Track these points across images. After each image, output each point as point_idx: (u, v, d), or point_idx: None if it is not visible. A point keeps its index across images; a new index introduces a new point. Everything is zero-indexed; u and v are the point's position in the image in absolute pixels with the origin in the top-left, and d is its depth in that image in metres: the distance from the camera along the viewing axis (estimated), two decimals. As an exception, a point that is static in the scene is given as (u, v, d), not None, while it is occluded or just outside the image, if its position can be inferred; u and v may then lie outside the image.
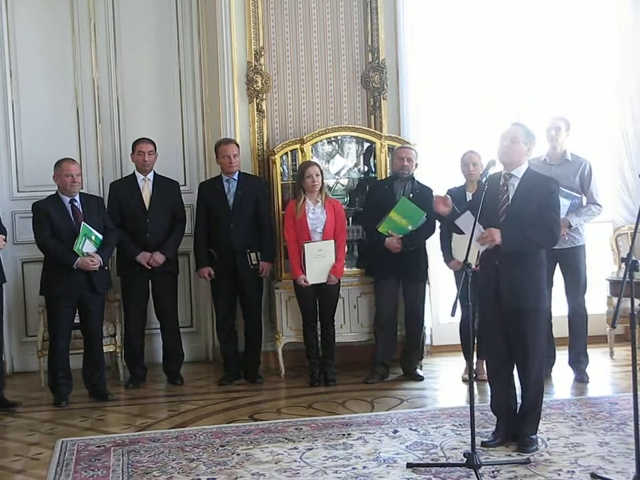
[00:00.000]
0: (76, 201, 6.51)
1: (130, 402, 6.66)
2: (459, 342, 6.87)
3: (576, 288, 6.73)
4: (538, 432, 5.18)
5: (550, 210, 5.01)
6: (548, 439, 5.24)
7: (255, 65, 7.46)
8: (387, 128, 7.54)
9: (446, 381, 7.05)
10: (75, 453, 5.29)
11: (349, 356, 7.35)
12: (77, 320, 6.62)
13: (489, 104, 7.95)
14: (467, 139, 7.50)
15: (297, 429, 5.64)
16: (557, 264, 6.65)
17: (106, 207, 6.97)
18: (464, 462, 4.69)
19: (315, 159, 7.21)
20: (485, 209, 4.83)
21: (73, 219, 6.45)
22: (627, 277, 4.35)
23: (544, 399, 5.29)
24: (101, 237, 6.48)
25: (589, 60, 8.11)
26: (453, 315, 4.67)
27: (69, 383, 6.59)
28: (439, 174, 7.58)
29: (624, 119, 7.97)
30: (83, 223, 6.38)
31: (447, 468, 4.79)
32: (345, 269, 7.03)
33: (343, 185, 7.56)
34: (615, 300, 6.71)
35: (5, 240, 6.37)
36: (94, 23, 7.71)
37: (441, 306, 7.72)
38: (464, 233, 5.00)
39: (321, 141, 7.35)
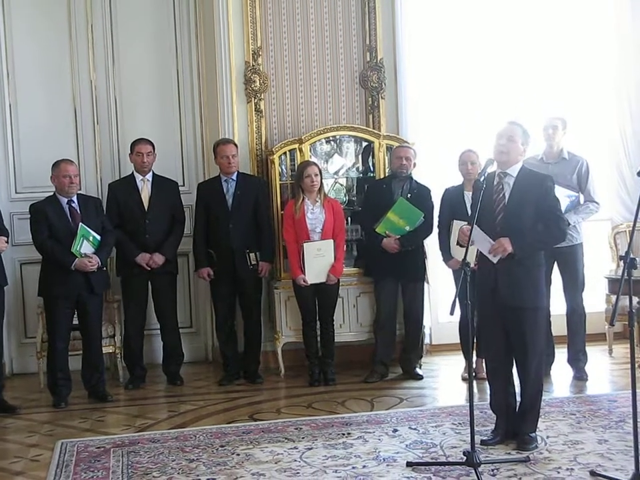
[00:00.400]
0: (73, 202, 6.51)
1: (129, 403, 6.66)
2: (458, 341, 6.87)
3: (574, 286, 6.74)
4: (537, 430, 5.19)
5: (551, 207, 5.04)
6: (547, 437, 5.25)
7: (253, 65, 7.46)
8: (385, 127, 7.55)
9: (445, 379, 7.05)
10: (74, 454, 5.29)
11: (348, 355, 7.35)
12: (76, 321, 6.62)
13: (486, 103, 7.95)
14: (465, 138, 7.50)
15: (296, 429, 5.64)
16: (555, 262, 6.66)
17: (105, 207, 6.98)
18: (463, 460, 4.70)
19: (313, 159, 7.21)
20: (481, 209, 4.83)
21: (70, 220, 6.45)
22: (626, 274, 4.36)
23: (543, 397, 5.30)
24: (98, 237, 6.48)
25: (587, 58, 8.11)
26: (452, 313, 4.67)
27: (68, 384, 6.59)
28: (437, 173, 7.59)
29: (622, 117, 7.97)
30: (80, 224, 6.38)
31: (447, 466, 4.80)
32: (344, 269, 7.03)
33: (341, 185, 7.56)
34: (614, 298, 6.72)
35: (7, 242, 6.37)
36: (91, 24, 7.70)
37: (440, 305, 7.72)
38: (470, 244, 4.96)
39: (319, 140, 7.35)
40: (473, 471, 4.59)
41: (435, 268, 7.30)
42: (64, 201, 6.48)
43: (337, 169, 7.49)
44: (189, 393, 6.85)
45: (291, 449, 5.22)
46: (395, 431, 5.51)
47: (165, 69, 7.83)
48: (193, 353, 7.83)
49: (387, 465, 4.87)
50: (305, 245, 6.77)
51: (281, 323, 7.21)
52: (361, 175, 7.53)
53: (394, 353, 7.15)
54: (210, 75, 7.67)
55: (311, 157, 7.24)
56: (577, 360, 6.81)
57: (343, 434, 5.48)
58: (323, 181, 6.95)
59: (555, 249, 6.00)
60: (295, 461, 5.00)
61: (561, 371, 6.86)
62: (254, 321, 7.13)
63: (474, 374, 6.22)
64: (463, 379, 6.83)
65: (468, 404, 4.86)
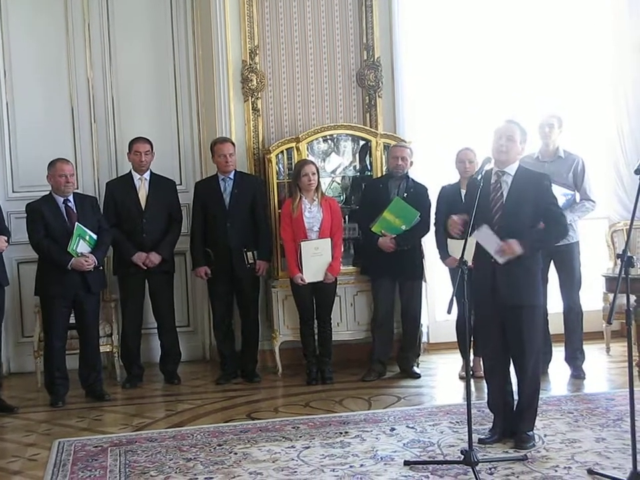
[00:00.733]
0: (70, 201, 6.50)
1: (127, 402, 6.65)
2: (456, 339, 6.87)
3: (571, 285, 6.74)
4: (535, 428, 5.19)
5: (551, 204, 5.07)
6: (545, 436, 5.25)
7: (250, 64, 7.46)
8: (383, 126, 7.54)
9: (443, 378, 7.05)
10: (72, 453, 5.28)
11: (345, 354, 7.35)
12: (73, 320, 6.61)
13: (483, 101, 7.95)
14: (462, 136, 7.50)
15: (294, 428, 5.64)
16: (552, 261, 6.66)
17: (102, 206, 6.98)
18: (461, 459, 4.69)
19: (310, 158, 7.21)
20: (479, 207, 4.83)
21: (66, 219, 6.45)
22: (623, 273, 4.35)
23: (540, 396, 5.31)
24: (95, 236, 6.47)
25: (584, 56, 8.12)
26: (449, 312, 4.67)
27: (66, 383, 6.58)
28: (434, 171, 7.58)
29: (619, 115, 7.97)
30: (76, 223, 6.37)
31: (444, 465, 4.79)
32: (341, 267, 7.03)
33: (338, 184, 7.56)
34: (611, 296, 6.72)
35: (8, 241, 6.36)
36: (88, 22, 7.70)
37: (438, 303, 7.72)
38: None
39: (316, 139, 7.35)
40: (471, 469, 4.59)
41: (432, 266, 7.29)
42: (60, 200, 6.48)
43: (334, 168, 7.49)
44: (187, 392, 6.85)
45: (289, 447, 5.22)
46: (393, 429, 5.51)
47: (162, 67, 7.83)
48: (190, 352, 7.82)
49: (385, 464, 4.87)
50: (302, 243, 6.77)
51: (279, 322, 7.21)
52: (358, 174, 7.53)
53: (391, 351, 7.14)
54: (207, 74, 7.67)
55: (308, 155, 7.23)
56: (575, 358, 6.82)
57: (341, 433, 5.48)
58: (320, 179, 6.94)
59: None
60: (293, 459, 5.00)
61: (558, 370, 6.86)
62: (251, 320, 7.12)
63: (471, 372, 6.22)
64: (461, 378, 6.83)
65: (465, 402, 4.86)
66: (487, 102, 7.93)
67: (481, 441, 5.11)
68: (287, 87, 7.55)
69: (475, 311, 5.37)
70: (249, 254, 6.95)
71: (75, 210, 6.49)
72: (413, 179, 6.96)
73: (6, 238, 6.33)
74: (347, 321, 7.27)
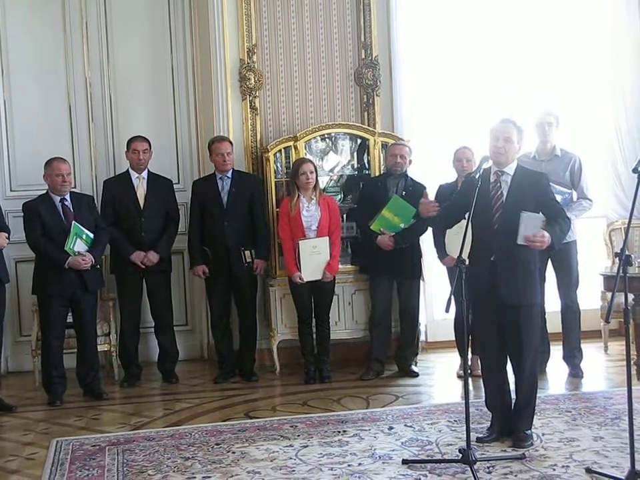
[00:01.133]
0: (66, 200, 6.50)
1: (125, 401, 6.65)
2: (454, 338, 6.87)
3: (568, 283, 6.74)
4: (533, 427, 5.19)
5: (552, 202, 5.11)
6: (543, 434, 5.25)
7: (248, 63, 7.45)
8: (381, 124, 7.54)
9: (441, 377, 7.05)
10: (69, 452, 5.27)
11: (343, 353, 7.34)
12: (70, 319, 6.61)
13: (481, 100, 7.95)
14: (460, 135, 7.51)
15: (292, 427, 5.64)
16: (549, 260, 6.66)
17: (100, 204, 6.98)
18: (459, 458, 4.69)
19: (308, 156, 7.21)
20: (478, 206, 4.83)
21: (63, 218, 6.44)
22: (621, 271, 4.35)
23: (538, 394, 5.31)
24: (92, 235, 6.47)
25: (582, 55, 8.12)
26: (447, 311, 4.67)
27: (63, 382, 6.57)
28: (432, 170, 7.58)
29: (617, 113, 7.97)
30: (73, 222, 6.37)
31: (443, 464, 4.79)
32: (339, 266, 7.03)
33: (336, 182, 7.56)
34: (609, 295, 6.71)
35: (8, 238, 6.36)
36: (86, 21, 7.69)
37: (436, 302, 7.72)
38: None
39: (314, 138, 7.35)
40: (469, 468, 4.58)
41: (430, 265, 7.28)
42: (57, 199, 6.47)
43: (332, 167, 7.49)
44: (185, 391, 6.84)
45: (287, 446, 5.22)
46: (391, 428, 5.51)
47: (159, 66, 7.82)
48: (188, 351, 7.82)
49: (383, 463, 4.87)
50: (300, 242, 6.76)
51: (277, 321, 7.21)
52: (356, 173, 7.53)
53: (389, 350, 7.14)
54: (205, 73, 7.66)
55: (306, 154, 7.23)
56: (573, 357, 6.82)
57: (339, 431, 5.48)
58: (318, 178, 6.94)
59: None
60: (291, 458, 4.99)
61: (556, 368, 6.86)
62: (249, 319, 7.12)
63: (469, 371, 6.23)
64: (459, 377, 6.83)
65: (463, 401, 4.86)
66: (485, 100, 7.94)
67: (479, 440, 5.11)
68: (285, 86, 7.55)
69: (472, 309, 5.37)
70: (247, 253, 6.94)
71: (71, 209, 6.48)
72: (411, 178, 6.95)
73: (6, 235, 6.33)
74: (345, 320, 7.26)
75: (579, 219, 6.82)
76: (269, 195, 7.22)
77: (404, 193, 6.84)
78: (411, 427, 5.54)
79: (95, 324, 6.74)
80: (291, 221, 6.81)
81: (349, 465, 4.84)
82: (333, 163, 7.48)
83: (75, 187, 7.31)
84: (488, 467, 4.72)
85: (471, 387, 6.18)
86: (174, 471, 4.87)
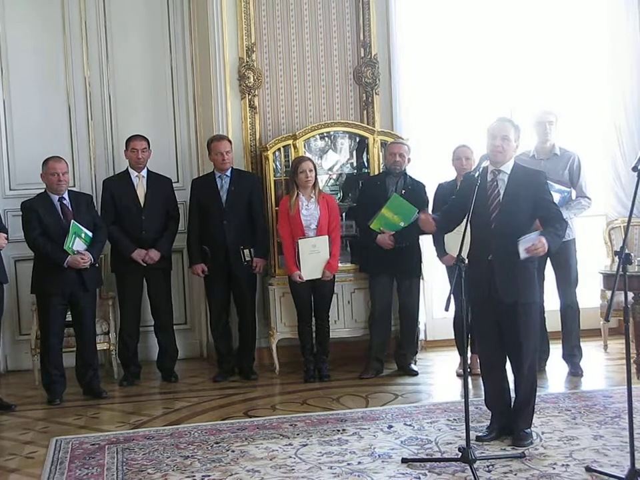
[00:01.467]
0: (65, 199, 6.50)
1: (124, 399, 6.65)
2: (453, 337, 6.87)
3: (567, 282, 6.74)
4: (532, 426, 5.19)
5: (550, 203, 5.10)
6: (542, 433, 5.25)
7: (247, 61, 7.45)
8: (380, 123, 7.54)
9: (440, 375, 7.05)
10: (69, 451, 5.27)
11: (343, 351, 7.35)
12: (69, 318, 6.61)
13: (481, 98, 7.94)
14: (459, 133, 7.49)
15: (291, 425, 5.63)
16: (548, 258, 6.65)
17: (100, 203, 6.99)
18: (459, 457, 4.68)
19: (307, 155, 7.20)
20: (475, 205, 4.82)
21: (62, 217, 6.44)
22: (620, 270, 4.35)
23: (538, 393, 5.30)
24: (90, 234, 6.46)
25: (581, 52, 8.11)
26: (446, 309, 4.66)
27: (63, 380, 6.57)
28: (431, 168, 7.57)
29: (617, 111, 7.97)
30: (72, 221, 6.37)
31: (442, 463, 4.79)
32: (339, 265, 7.02)
33: (335, 181, 7.55)
34: (609, 293, 6.71)
35: (7, 238, 6.36)
36: (85, 20, 7.69)
37: (435, 301, 7.72)
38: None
39: (313, 136, 7.35)
40: (468, 467, 4.58)
41: (429, 264, 7.28)
42: (55, 198, 6.47)
43: (331, 165, 7.48)
44: (184, 390, 6.84)
45: (286, 445, 5.21)
46: (390, 427, 5.51)
47: (158, 65, 7.82)
48: (187, 350, 7.82)
49: (382, 461, 4.86)
50: (299, 241, 6.76)
51: (276, 319, 7.20)
52: (355, 171, 7.53)
53: (389, 349, 7.14)
54: (204, 71, 7.66)
55: (305, 152, 7.23)
56: (572, 356, 6.81)
57: (338, 430, 5.47)
58: (317, 177, 6.93)
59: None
60: (290, 457, 4.99)
61: (556, 367, 6.86)
62: (248, 318, 7.12)
63: (469, 370, 6.22)
64: (458, 375, 6.84)
65: (463, 400, 4.85)
66: (484, 99, 7.93)
67: (478, 439, 5.11)
68: (284, 84, 7.55)
69: (470, 309, 5.37)
70: (246, 251, 6.94)
71: (70, 208, 6.48)
72: (410, 176, 6.95)
73: (5, 235, 6.32)
74: (345, 319, 7.26)
75: (578, 218, 6.84)
76: (268, 194, 7.21)
77: (403, 191, 6.84)
78: (410, 425, 5.54)
79: (94, 323, 6.74)
80: (290, 219, 6.81)
81: (348, 464, 4.84)
82: (332, 162, 7.47)
83: (74, 186, 7.34)
84: (487, 466, 4.72)
85: (470, 386, 6.19)
86: (173, 470, 4.87)
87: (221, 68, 7.42)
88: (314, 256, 6.77)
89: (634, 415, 4.44)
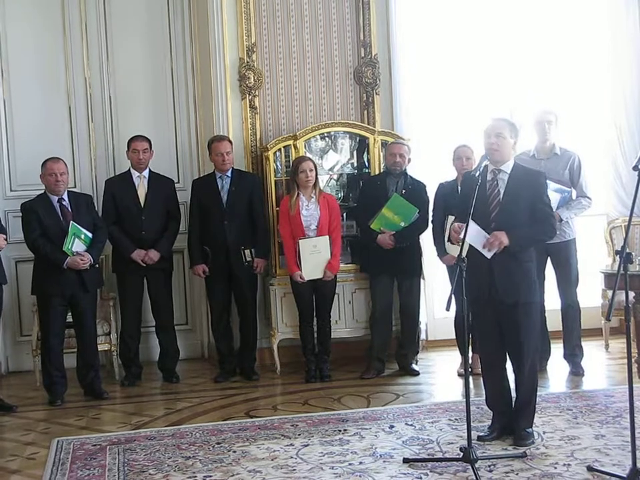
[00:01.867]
0: (64, 199, 6.50)
1: (125, 400, 6.65)
2: (454, 336, 6.87)
3: (568, 282, 6.74)
4: (534, 425, 5.18)
5: (543, 204, 5.05)
6: (544, 433, 5.24)
7: (247, 62, 7.45)
8: (380, 123, 7.54)
9: (442, 375, 7.05)
10: (70, 452, 5.27)
11: (344, 352, 7.34)
12: (70, 319, 6.61)
13: (481, 98, 7.94)
14: (459, 133, 7.49)
15: (293, 426, 5.63)
16: (548, 258, 6.65)
17: (101, 204, 7.00)
18: (460, 456, 4.68)
19: (308, 155, 7.19)
20: (475, 204, 4.82)
21: (61, 218, 6.44)
22: (621, 269, 4.35)
23: (539, 393, 5.31)
24: (90, 235, 6.46)
25: (582, 52, 8.11)
26: (447, 309, 4.66)
27: (64, 381, 6.57)
28: (431, 168, 7.57)
29: (617, 111, 7.96)
30: (71, 222, 6.36)
31: (444, 463, 4.79)
32: (340, 265, 7.02)
33: (336, 181, 7.55)
34: (610, 293, 6.72)
35: (6, 240, 6.36)
36: (85, 21, 7.69)
37: (436, 301, 7.71)
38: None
39: (314, 136, 7.34)
40: (470, 466, 4.58)
41: (430, 264, 7.28)
42: (54, 199, 6.47)
43: (331, 165, 7.48)
44: (185, 390, 6.84)
45: (287, 445, 5.21)
46: (392, 427, 5.51)
47: (159, 65, 7.82)
48: (188, 350, 7.82)
49: (384, 462, 4.86)
50: (300, 241, 6.76)
51: (277, 320, 7.20)
52: (356, 171, 7.53)
53: (390, 349, 7.14)
54: (204, 72, 7.66)
55: (305, 153, 7.23)
56: (573, 355, 6.81)
57: (340, 430, 5.47)
58: (318, 177, 6.93)
59: (548, 244, 6.00)
60: (292, 457, 4.99)
61: (557, 367, 6.86)
62: (249, 318, 7.12)
63: (470, 370, 6.21)
64: (459, 375, 6.83)
65: (464, 400, 4.86)
66: (485, 99, 7.92)
67: (480, 438, 5.11)
68: (285, 85, 7.55)
69: (470, 308, 5.37)
70: (247, 252, 6.94)
71: (69, 208, 6.48)
72: (410, 176, 6.95)
73: (4, 236, 6.32)
74: (346, 319, 7.26)
75: (579, 217, 6.83)
76: (268, 194, 7.21)
77: (404, 191, 6.84)
78: (411, 425, 5.54)
79: (95, 323, 6.74)
80: (290, 219, 6.81)
81: (349, 464, 4.84)
82: (332, 162, 7.47)
83: (74, 187, 7.34)
84: (489, 466, 4.72)
85: (471, 385, 6.16)
86: (175, 470, 4.87)
87: (221, 68, 7.42)
88: (315, 256, 6.76)
89: (635, 414, 4.44)
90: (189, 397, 6.63)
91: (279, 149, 7.25)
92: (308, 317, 6.93)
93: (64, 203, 6.49)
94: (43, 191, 6.56)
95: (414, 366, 7.06)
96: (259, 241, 7.01)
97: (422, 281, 7.11)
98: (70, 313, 6.58)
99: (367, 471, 4.72)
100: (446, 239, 6.36)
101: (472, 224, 4.83)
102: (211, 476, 4.75)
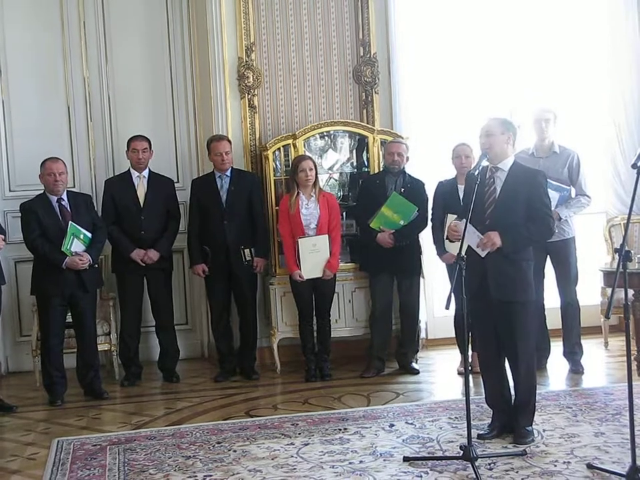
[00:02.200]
0: (63, 199, 6.50)
1: (125, 400, 6.65)
2: (454, 335, 6.87)
3: (567, 280, 6.74)
4: (533, 423, 5.19)
5: (541, 204, 5.02)
6: (544, 430, 5.24)
7: (246, 61, 7.45)
8: (379, 122, 7.54)
9: (441, 374, 7.05)
10: (70, 452, 5.27)
11: (344, 350, 7.34)
12: (70, 319, 6.61)
13: (480, 96, 7.94)
14: (458, 132, 7.48)
15: (293, 425, 5.63)
16: (548, 256, 6.66)
17: (101, 203, 7.01)
18: (460, 455, 4.68)
19: (307, 154, 7.19)
20: (474, 202, 4.82)
21: (60, 218, 6.44)
22: (621, 267, 4.35)
23: (539, 391, 5.31)
24: (89, 235, 6.46)
25: (581, 50, 8.11)
26: (447, 307, 4.66)
27: (63, 381, 6.57)
28: (430, 166, 7.57)
29: (616, 109, 7.96)
30: (70, 222, 6.36)
31: (444, 461, 4.80)
32: (340, 264, 7.02)
33: (335, 180, 7.55)
34: (609, 291, 6.71)
35: (5, 240, 6.36)
36: (83, 21, 7.69)
37: (436, 299, 7.72)
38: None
39: (313, 135, 7.35)
40: (470, 465, 4.58)
41: (430, 262, 7.28)
42: (54, 199, 6.48)
43: (331, 164, 7.48)
44: (185, 390, 6.85)
45: (288, 444, 5.22)
46: (392, 425, 5.51)
47: (158, 65, 7.82)
48: (188, 350, 7.82)
49: (384, 460, 4.86)
50: (299, 240, 6.76)
51: (277, 319, 7.21)
52: (355, 170, 7.53)
53: (390, 347, 7.14)
54: (203, 71, 7.66)
55: (305, 152, 7.23)
56: (573, 353, 6.81)
57: (340, 429, 5.47)
58: (318, 176, 6.93)
59: (547, 242, 5.99)
60: (292, 456, 4.99)
61: (556, 365, 6.86)
62: (249, 317, 7.12)
63: (470, 368, 6.19)
64: (459, 373, 6.83)
65: (464, 398, 4.86)
66: (484, 97, 7.92)
67: (480, 437, 5.11)
68: (284, 84, 7.55)
69: (468, 307, 5.37)
70: (247, 251, 6.94)
71: (68, 208, 6.48)
72: (409, 175, 6.96)
73: (3, 237, 6.32)
74: (346, 318, 7.26)
75: (578, 215, 6.82)
76: (268, 193, 7.21)
77: (403, 190, 6.84)
78: (411, 424, 5.54)
79: (95, 323, 6.74)
80: (290, 218, 6.81)
81: (350, 463, 4.84)
82: (332, 161, 7.48)
83: (74, 187, 7.34)
84: (489, 464, 4.72)
85: (471, 384, 6.15)
86: (175, 470, 4.87)
87: (220, 68, 7.42)
88: (314, 255, 6.77)
89: (635, 412, 4.44)
90: (189, 396, 6.63)
91: (278, 148, 7.26)
92: (308, 316, 6.93)
93: (63, 203, 6.49)
94: (42, 191, 6.56)
95: (414, 365, 7.07)
96: (258, 241, 7.01)
97: (422, 279, 7.12)
98: (70, 313, 6.59)
99: (368, 470, 4.72)
100: (445, 237, 6.36)
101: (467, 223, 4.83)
102: (211, 475, 4.76)
